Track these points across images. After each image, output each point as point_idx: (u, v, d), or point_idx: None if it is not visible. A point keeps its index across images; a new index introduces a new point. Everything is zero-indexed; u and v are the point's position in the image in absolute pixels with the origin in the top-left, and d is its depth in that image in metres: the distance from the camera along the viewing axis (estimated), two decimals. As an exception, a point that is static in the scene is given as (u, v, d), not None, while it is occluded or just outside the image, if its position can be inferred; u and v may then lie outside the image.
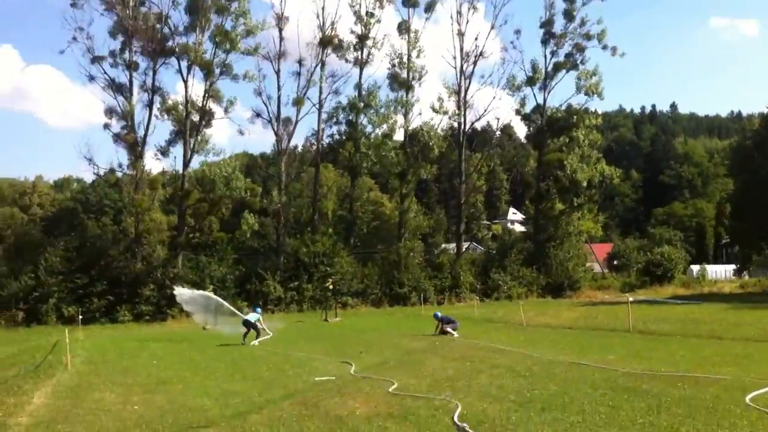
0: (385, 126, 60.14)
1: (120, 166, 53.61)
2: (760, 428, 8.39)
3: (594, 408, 10.22)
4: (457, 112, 61.88)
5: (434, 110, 61.61)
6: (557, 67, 61.90)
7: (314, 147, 64.54)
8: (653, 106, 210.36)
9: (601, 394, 11.34)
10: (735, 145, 70.46)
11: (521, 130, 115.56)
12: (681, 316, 27.63)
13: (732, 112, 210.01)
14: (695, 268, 72.71)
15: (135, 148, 52.86)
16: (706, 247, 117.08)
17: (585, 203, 62.43)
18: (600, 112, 65.59)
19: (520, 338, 22.94)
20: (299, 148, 72.46)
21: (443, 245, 69.35)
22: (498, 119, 71.02)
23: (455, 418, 9.93)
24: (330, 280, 46.28)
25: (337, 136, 62.83)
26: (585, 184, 60.02)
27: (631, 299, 26.07)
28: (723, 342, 18.94)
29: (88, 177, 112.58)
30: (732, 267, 79.00)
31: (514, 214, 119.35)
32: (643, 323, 24.94)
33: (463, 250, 63.75)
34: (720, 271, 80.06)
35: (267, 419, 10.60)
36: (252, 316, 26.48)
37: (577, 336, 23.27)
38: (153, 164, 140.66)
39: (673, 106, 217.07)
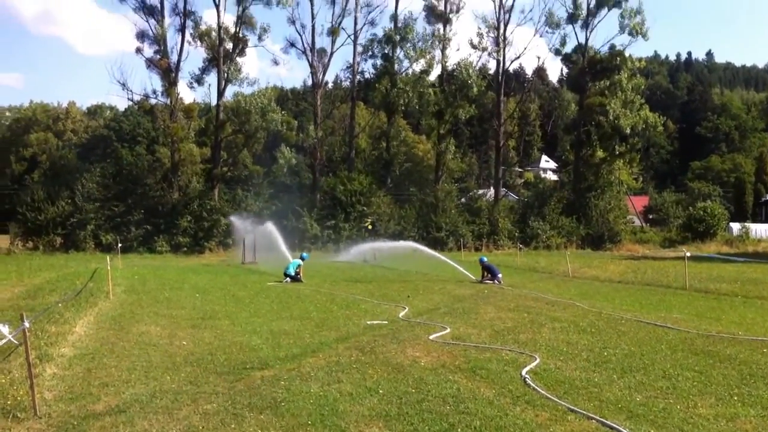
0: (422, 62, 58.76)
1: (154, 92, 53.27)
2: None
3: (679, 373, 9.41)
4: (495, 48, 60.02)
5: (473, 46, 60.05)
6: (600, 4, 59.25)
7: (348, 82, 63.39)
8: (689, 53, 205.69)
9: (683, 358, 10.51)
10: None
11: (554, 75, 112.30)
12: (735, 276, 26.58)
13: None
14: (735, 225, 71.01)
15: (168, 74, 52.32)
16: (746, 204, 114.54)
17: (627, 152, 60.82)
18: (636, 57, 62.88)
19: (571, 290, 22.13)
20: (330, 85, 71.44)
21: (477, 191, 68.46)
22: (539, 58, 69.29)
23: (524, 372, 9.25)
24: (368, 219, 45.61)
25: (372, 71, 61.51)
26: (628, 131, 58.26)
27: (688, 254, 25.01)
28: (793, 306, 17.97)
29: (121, 105, 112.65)
30: (774, 226, 77.47)
31: (546, 162, 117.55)
32: (698, 281, 23.96)
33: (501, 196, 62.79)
34: (761, 230, 78.10)
35: (324, 364, 9.96)
36: (294, 263, 25.98)
37: (631, 291, 22.39)
38: (186, 94, 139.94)
39: (710, 54, 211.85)
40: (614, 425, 6.87)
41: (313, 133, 56.18)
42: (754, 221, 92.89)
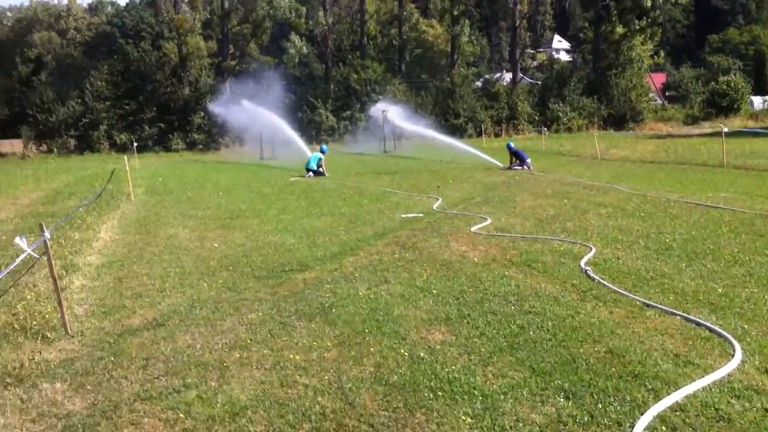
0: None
1: (157, -18, 51.39)
2: None
3: (751, 258, 8.67)
4: None
5: None
6: None
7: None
8: None
9: (749, 241, 9.77)
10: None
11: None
12: (771, 150, 25.68)
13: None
14: (756, 99, 69.15)
15: (171, -38, 50.37)
16: (765, 77, 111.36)
17: (648, 26, 58.52)
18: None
19: (604, 173, 21.36)
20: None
21: (493, 75, 66.62)
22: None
23: (583, 264, 8.58)
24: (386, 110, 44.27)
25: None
26: (649, 4, 55.86)
27: (725, 129, 23.96)
28: None
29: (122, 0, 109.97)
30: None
31: (559, 42, 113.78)
32: (734, 158, 23.05)
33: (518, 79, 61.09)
34: (782, 103, 76.25)
35: (366, 263, 9.31)
36: (314, 157, 25.26)
37: (667, 171, 21.57)
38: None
39: None
40: (701, 321, 6.20)
41: (323, 20, 54.27)
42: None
